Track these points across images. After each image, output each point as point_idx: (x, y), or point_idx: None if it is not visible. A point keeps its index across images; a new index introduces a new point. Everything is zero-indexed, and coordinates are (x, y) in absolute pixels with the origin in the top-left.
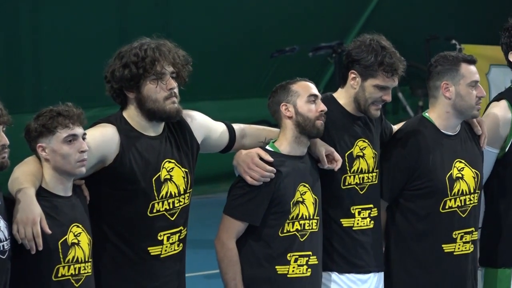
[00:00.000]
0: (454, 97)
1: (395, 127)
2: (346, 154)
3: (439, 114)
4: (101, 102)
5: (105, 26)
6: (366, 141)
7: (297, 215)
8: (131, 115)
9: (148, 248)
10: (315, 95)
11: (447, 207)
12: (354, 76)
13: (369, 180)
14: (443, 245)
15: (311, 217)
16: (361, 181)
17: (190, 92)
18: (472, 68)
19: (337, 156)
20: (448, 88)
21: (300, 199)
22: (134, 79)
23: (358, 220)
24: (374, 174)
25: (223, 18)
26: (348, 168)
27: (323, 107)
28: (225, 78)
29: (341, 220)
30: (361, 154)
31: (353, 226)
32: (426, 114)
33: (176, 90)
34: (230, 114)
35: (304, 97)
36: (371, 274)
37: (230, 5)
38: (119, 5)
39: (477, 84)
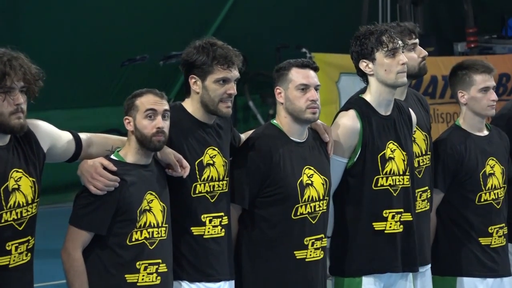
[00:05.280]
0: (285, 101)
1: (243, 136)
2: (196, 162)
3: (281, 120)
4: None
5: None
6: (216, 149)
7: (145, 223)
8: None
9: None
10: (153, 110)
11: (298, 213)
12: (194, 80)
13: (220, 188)
14: (295, 252)
15: (160, 225)
16: (212, 189)
17: (39, 101)
18: (303, 71)
19: (185, 163)
20: (280, 93)
21: (147, 207)
22: None
23: (209, 228)
24: (224, 182)
25: (73, 26)
26: (198, 176)
27: (161, 123)
28: (75, 87)
29: (191, 228)
30: (211, 162)
31: (203, 235)
32: (274, 121)
33: (23, 106)
34: (80, 123)
35: (141, 113)
36: (222, 283)
37: (80, 14)
38: None
39: (308, 88)
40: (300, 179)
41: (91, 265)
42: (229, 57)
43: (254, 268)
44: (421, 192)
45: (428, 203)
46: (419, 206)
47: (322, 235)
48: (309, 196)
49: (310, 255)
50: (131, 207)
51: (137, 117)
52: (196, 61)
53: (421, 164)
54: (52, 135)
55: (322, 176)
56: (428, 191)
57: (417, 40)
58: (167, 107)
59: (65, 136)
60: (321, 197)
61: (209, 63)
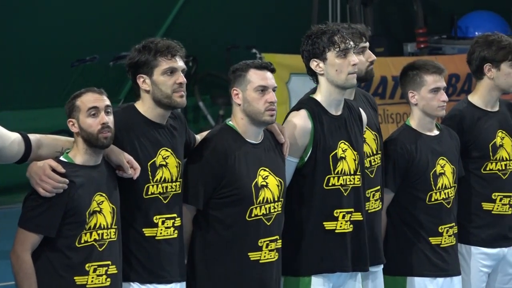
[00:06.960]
0: (242, 103)
1: (198, 137)
2: (148, 163)
3: (237, 122)
4: None
5: None
6: (169, 150)
7: (95, 224)
8: None
9: None
10: (95, 107)
11: (253, 215)
12: (143, 79)
13: (173, 190)
14: (249, 253)
15: (109, 227)
16: (165, 191)
17: None
18: (261, 73)
19: (135, 164)
20: (237, 94)
21: (98, 209)
22: None
23: (161, 229)
24: (177, 183)
25: (22, 27)
26: (151, 177)
27: (105, 119)
28: (25, 87)
29: (143, 229)
30: (164, 163)
31: (156, 236)
32: (230, 122)
33: None
34: (30, 124)
35: (84, 112)
36: (173, 284)
37: (30, 15)
38: None
39: (267, 89)
40: (255, 180)
41: (40, 267)
42: (171, 47)
43: (209, 269)
44: (374, 192)
45: (381, 203)
46: (372, 206)
47: (277, 237)
48: (264, 198)
49: (265, 256)
50: (80, 209)
51: (80, 117)
52: (140, 60)
53: (372, 164)
54: (0, 137)
55: (277, 178)
56: (380, 190)
57: (367, 44)
58: (108, 102)
59: (14, 138)
60: (276, 199)
61: (152, 58)
